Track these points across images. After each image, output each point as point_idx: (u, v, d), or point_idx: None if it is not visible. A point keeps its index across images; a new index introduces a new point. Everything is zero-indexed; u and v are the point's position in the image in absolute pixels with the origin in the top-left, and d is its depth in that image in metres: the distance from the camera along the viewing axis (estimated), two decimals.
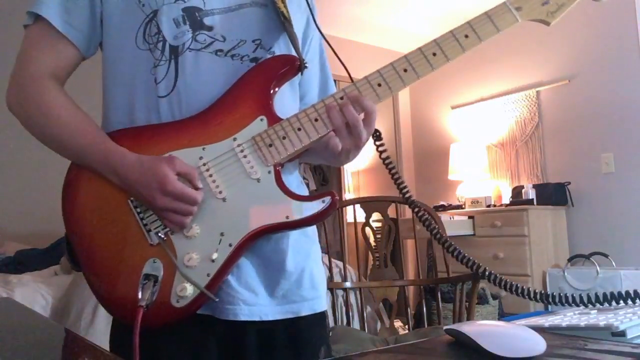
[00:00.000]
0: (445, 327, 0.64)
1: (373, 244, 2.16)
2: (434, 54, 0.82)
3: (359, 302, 2.12)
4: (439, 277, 2.37)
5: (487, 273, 0.85)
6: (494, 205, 3.96)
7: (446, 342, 0.62)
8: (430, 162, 4.70)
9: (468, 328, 0.59)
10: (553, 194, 3.74)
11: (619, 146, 3.60)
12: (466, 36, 0.82)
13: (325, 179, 5.03)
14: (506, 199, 4.02)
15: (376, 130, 0.85)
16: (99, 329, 1.87)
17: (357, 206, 2.13)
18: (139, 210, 0.78)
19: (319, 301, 0.90)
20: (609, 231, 3.62)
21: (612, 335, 0.59)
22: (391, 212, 2.14)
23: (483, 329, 0.60)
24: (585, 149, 3.77)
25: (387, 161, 0.88)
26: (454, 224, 3.78)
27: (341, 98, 0.81)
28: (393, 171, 0.88)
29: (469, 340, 0.57)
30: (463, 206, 4.09)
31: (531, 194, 3.73)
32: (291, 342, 0.87)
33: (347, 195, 5.10)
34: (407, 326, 2.55)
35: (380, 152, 0.88)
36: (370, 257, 2.15)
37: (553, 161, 3.98)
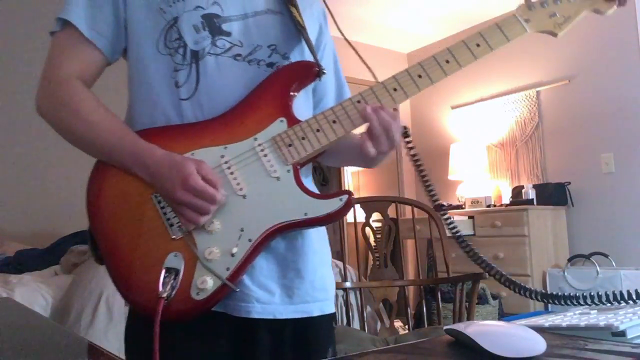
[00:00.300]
0: (445, 327, 0.64)
1: (373, 244, 2.15)
2: (447, 61, 0.86)
3: (359, 302, 2.12)
4: (439, 277, 2.37)
5: (519, 289, 0.86)
6: (494, 205, 3.96)
7: (446, 342, 0.62)
8: (430, 162, 4.70)
9: (468, 328, 0.59)
10: (553, 194, 3.74)
11: (619, 146, 3.61)
12: (478, 45, 0.87)
13: (325, 179, 5.03)
14: (506, 199, 4.02)
15: (404, 127, 0.88)
16: (99, 329, 1.87)
17: (357, 206, 2.12)
18: (162, 205, 0.80)
19: (328, 303, 0.93)
20: (609, 231, 3.62)
21: (612, 335, 0.59)
22: (391, 212, 2.14)
23: (483, 329, 0.60)
24: (585, 149, 3.77)
25: (415, 157, 0.90)
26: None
27: (358, 101, 0.84)
28: (421, 167, 0.91)
29: (469, 340, 0.57)
30: (463, 206, 4.09)
31: (531, 194, 3.73)
32: (298, 341, 0.89)
33: None
34: (407, 326, 2.55)
35: (410, 149, 0.91)
36: (370, 257, 2.15)
37: (553, 161, 3.98)
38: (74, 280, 2.05)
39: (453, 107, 4.69)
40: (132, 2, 0.88)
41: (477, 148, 4.28)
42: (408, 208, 4.26)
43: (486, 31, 0.87)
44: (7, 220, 3.05)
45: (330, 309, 0.93)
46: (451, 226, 0.91)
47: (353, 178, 5.54)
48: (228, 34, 0.88)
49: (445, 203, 4.23)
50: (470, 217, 3.87)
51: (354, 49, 0.96)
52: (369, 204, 2.10)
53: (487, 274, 0.88)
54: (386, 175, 5.06)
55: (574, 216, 3.81)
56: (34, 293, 1.95)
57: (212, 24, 0.87)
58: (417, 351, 0.60)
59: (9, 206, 3.07)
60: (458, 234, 0.90)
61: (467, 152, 4.27)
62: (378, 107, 0.83)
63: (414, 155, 0.90)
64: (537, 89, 4.05)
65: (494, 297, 3.35)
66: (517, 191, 3.87)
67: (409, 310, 2.07)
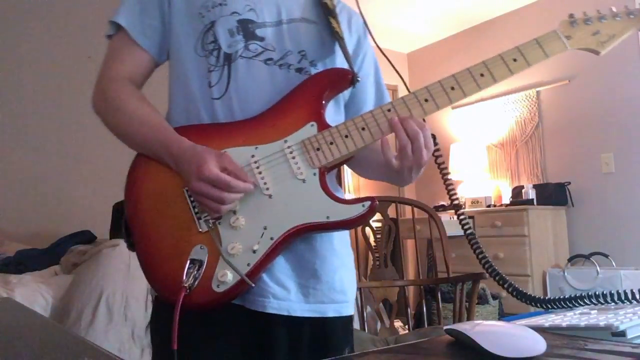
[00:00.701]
0: (445, 327, 0.64)
1: (373, 244, 2.15)
2: (482, 75, 0.87)
3: (359, 302, 2.12)
4: (439, 277, 2.37)
5: (522, 295, 0.85)
6: (494, 205, 3.96)
7: (446, 342, 0.62)
8: (430, 162, 4.69)
9: (468, 328, 0.59)
10: (553, 194, 3.74)
11: (619, 146, 3.61)
12: (515, 60, 0.87)
13: None
14: (506, 199, 4.02)
15: (432, 135, 0.89)
16: (99, 329, 1.87)
17: None
18: (192, 199, 0.84)
19: (346, 305, 0.95)
20: (609, 231, 3.62)
21: (612, 335, 0.59)
22: (391, 212, 2.14)
23: (483, 329, 0.60)
24: (585, 149, 3.77)
25: (441, 167, 0.92)
26: (454, 224, 3.76)
27: (388, 110, 0.86)
28: (446, 176, 0.92)
29: (469, 340, 0.57)
30: (463, 206, 4.10)
31: (531, 194, 3.73)
32: (315, 341, 0.91)
33: (347, 196, 5.10)
34: (407, 326, 2.55)
35: (436, 157, 0.92)
36: (370, 257, 2.15)
37: (553, 161, 3.98)
38: (74, 280, 2.05)
39: (453, 107, 4.68)
40: (175, 7, 0.94)
41: (477, 148, 4.28)
42: (408, 208, 4.26)
43: (524, 46, 0.86)
44: (7, 220, 3.05)
45: (347, 311, 0.95)
46: (466, 227, 0.91)
47: (353, 178, 5.53)
48: (261, 38, 0.92)
49: (446, 204, 4.23)
50: (470, 217, 3.87)
51: (383, 53, 0.98)
52: None
53: (487, 274, 0.88)
54: None
55: (574, 216, 3.81)
56: (34, 293, 1.95)
57: (247, 29, 0.91)
58: (417, 351, 0.60)
59: (9, 206, 3.07)
60: (471, 234, 0.89)
61: (467, 152, 4.27)
62: (407, 117, 0.85)
63: (440, 164, 0.92)
64: (537, 89, 4.06)
65: (494, 297, 3.35)
66: (517, 191, 3.87)
67: (409, 310, 2.07)
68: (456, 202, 0.93)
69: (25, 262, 2.45)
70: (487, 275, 0.88)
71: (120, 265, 2.03)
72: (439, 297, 2.04)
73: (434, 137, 0.89)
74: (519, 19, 4.15)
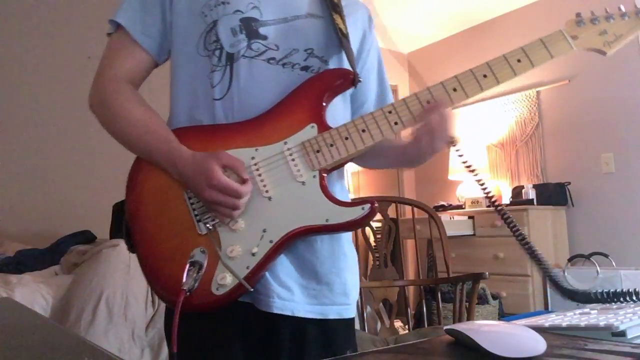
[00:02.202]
0: (445, 327, 0.64)
1: (373, 244, 2.15)
2: (485, 76, 0.86)
3: (359, 302, 2.12)
4: (439, 277, 2.37)
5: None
6: None
7: (446, 342, 0.62)
8: (430, 162, 4.65)
9: (468, 328, 0.59)
10: (553, 194, 3.74)
11: (619, 146, 3.60)
12: (519, 60, 0.85)
13: None
14: (506, 199, 4.02)
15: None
16: (99, 329, 1.87)
17: None
18: (192, 202, 0.85)
19: (347, 308, 0.94)
20: (609, 231, 3.62)
21: (612, 335, 0.59)
22: (391, 212, 2.14)
23: (483, 329, 0.60)
24: (585, 149, 3.76)
25: (466, 164, 0.93)
26: (454, 224, 3.78)
27: (389, 112, 0.86)
28: (478, 178, 0.92)
29: (469, 340, 0.57)
30: (463, 206, 4.09)
31: (531, 194, 3.73)
32: (317, 342, 0.91)
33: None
34: (407, 326, 2.55)
35: (460, 155, 0.93)
36: (370, 257, 2.15)
37: (553, 161, 3.98)
38: (74, 280, 2.05)
39: (453, 107, 4.68)
40: (177, 6, 0.93)
41: (477, 148, 4.28)
42: (408, 208, 4.26)
43: (529, 47, 0.85)
44: (7, 220, 3.05)
45: (349, 314, 0.95)
46: (512, 225, 0.89)
47: (353, 178, 5.53)
48: (264, 37, 0.90)
49: (446, 204, 4.23)
50: (470, 217, 3.87)
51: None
52: None
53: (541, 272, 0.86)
54: (386, 175, 5.06)
55: (574, 216, 3.81)
56: (34, 293, 1.95)
57: (250, 28, 0.90)
58: (417, 351, 0.60)
59: (9, 206, 3.07)
60: (517, 232, 0.87)
61: (467, 152, 4.27)
62: (434, 106, 0.85)
63: (464, 162, 0.93)
64: (537, 89, 4.05)
65: (494, 297, 3.34)
66: (517, 191, 3.87)
67: (409, 310, 2.07)
68: (493, 199, 0.91)
69: (25, 262, 2.45)
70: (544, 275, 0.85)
71: (120, 265, 2.03)
72: (439, 297, 2.04)
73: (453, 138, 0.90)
74: (520, 19, 4.15)
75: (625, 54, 3.55)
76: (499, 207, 0.90)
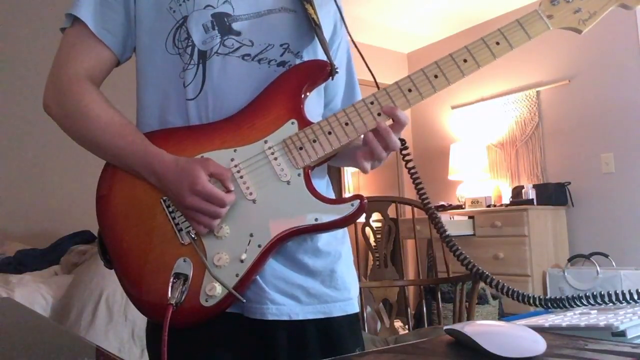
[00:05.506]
0: (445, 327, 0.64)
1: (373, 244, 2.15)
2: (465, 60, 0.84)
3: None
4: (439, 277, 2.36)
5: (487, 277, 0.84)
6: (494, 205, 3.96)
7: (446, 342, 0.62)
8: (430, 162, 4.70)
9: (468, 328, 0.59)
10: (553, 194, 3.74)
11: (619, 146, 3.60)
12: (497, 43, 0.84)
13: None
14: (506, 199, 4.02)
15: (401, 140, 0.85)
16: (99, 329, 1.87)
17: None
18: (171, 209, 0.80)
19: (350, 302, 0.90)
20: (609, 231, 3.62)
21: (612, 335, 0.59)
22: (391, 212, 2.14)
23: (483, 329, 0.60)
24: (585, 149, 3.77)
25: (412, 171, 0.89)
26: (454, 224, 3.78)
27: (371, 103, 0.82)
28: (417, 181, 0.89)
29: (469, 340, 0.57)
30: (463, 206, 4.09)
31: (531, 194, 3.73)
32: (322, 343, 0.87)
33: (347, 195, 5.10)
34: (407, 326, 2.55)
35: (406, 162, 0.89)
36: (370, 257, 2.15)
37: (553, 161, 3.98)
38: (74, 280, 2.05)
39: (453, 107, 4.68)
40: (142, 1, 0.86)
41: (477, 148, 4.28)
42: (408, 208, 4.26)
43: (506, 28, 0.83)
44: (7, 220, 3.05)
45: (352, 308, 0.90)
46: (442, 230, 0.89)
47: (353, 178, 5.54)
48: (238, 33, 0.85)
49: (446, 204, 4.23)
50: (470, 217, 3.87)
51: (356, 46, 0.94)
52: (369, 204, 2.09)
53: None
54: (386, 175, 5.06)
55: (574, 216, 3.81)
56: (34, 293, 1.95)
57: (222, 23, 0.85)
58: (417, 351, 0.60)
59: (9, 206, 3.07)
60: (441, 228, 0.88)
61: (467, 152, 4.27)
62: (388, 111, 0.81)
63: (410, 169, 0.89)
64: (537, 89, 4.05)
65: (494, 297, 3.35)
66: (517, 191, 3.87)
67: (409, 310, 2.07)
68: (428, 205, 0.90)
69: (25, 262, 2.45)
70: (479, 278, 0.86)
71: None
72: (439, 297, 2.04)
73: (404, 141, 0.86)
74: None
75: (625, 54, 3.55)
76: (431, 211, 0.89)
